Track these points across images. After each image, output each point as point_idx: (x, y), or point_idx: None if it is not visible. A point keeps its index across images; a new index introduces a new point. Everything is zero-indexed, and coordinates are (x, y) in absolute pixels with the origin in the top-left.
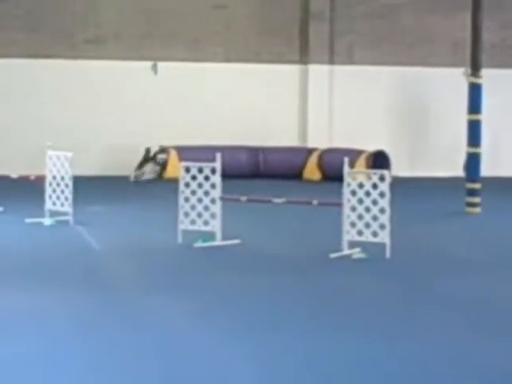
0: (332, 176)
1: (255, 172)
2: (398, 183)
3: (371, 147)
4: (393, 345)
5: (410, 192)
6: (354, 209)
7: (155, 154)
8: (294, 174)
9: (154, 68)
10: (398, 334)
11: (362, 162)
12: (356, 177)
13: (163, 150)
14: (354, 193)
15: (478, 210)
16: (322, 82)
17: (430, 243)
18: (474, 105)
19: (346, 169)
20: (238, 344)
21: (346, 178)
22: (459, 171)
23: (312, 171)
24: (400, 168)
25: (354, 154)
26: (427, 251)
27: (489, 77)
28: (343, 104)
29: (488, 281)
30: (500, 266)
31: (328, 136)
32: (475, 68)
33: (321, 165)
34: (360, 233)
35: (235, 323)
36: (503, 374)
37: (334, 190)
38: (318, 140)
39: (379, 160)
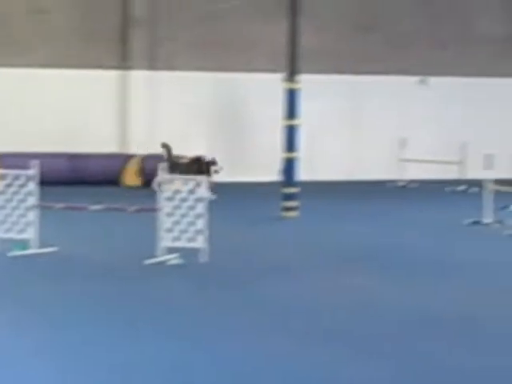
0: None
1: (76, 179)
2: (218, 188)
3: (192, 153)
4: (202, 348)
5: (229, 197)
6: (170, 215)
7: (207, 165)
8: (115, 181)
9: None
10: (208, 337)
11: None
12: (174, 183)
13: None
14: (171, 199)
15: (295, 213)
16: (143, 88)
17: (247, 248)
18: (291, 110)
19: (162, 175)
20: (48, 355)
21: (162, 185)
22: (277, 176)
23: (132, 178)
24: (221, 173)
25: None
26: (244, 255)
27: (307, 82)
28: (165, 110)
29: (302, 283)
30: (314, 269)
31: (150, 142)
32: (292, 73)
33: (142, 171)
34: (177, 238)
35: (45, 334)
36: (307, 374)
37: (153, 197)
38: (140, 146)
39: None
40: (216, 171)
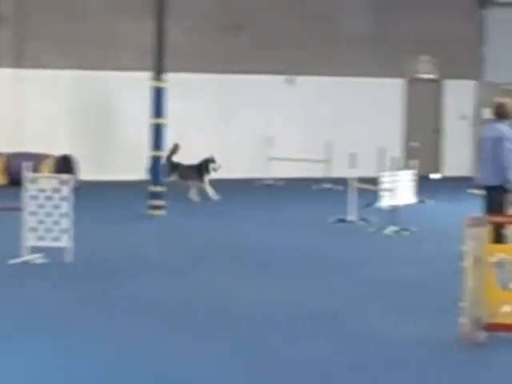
0: (19, 181)
1: None
2: (84, 187)
3: (59, 151)
4: (64, 350)
5: (96, 196)
6: (34, 214)
7: (206, 164)
8: None
9: None
10: (73, 337)
11: (47, 166)
12: (39, 181)
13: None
14: (35, 198)
15: (161, 212)
16: (8, 86)
17: (113, 247)
18: (158, 108)
19: (26, 174)
20: None
21: (26, 183)
22: (144, 174)
23: None
24: (87, 172)
25: (40, 159)
26: (110, 254)
27: (175, 81)
28: (32, 108)
29: (171, 281)
30: (182, 267)
31: (17, 140)
32: (159, 72)
33: (8, 169)
34: (42, 238)
35: None
36: (163, 371)
37: (19, 195)
38: (6, 144)
39: (65, 164)
40: (214, 169)
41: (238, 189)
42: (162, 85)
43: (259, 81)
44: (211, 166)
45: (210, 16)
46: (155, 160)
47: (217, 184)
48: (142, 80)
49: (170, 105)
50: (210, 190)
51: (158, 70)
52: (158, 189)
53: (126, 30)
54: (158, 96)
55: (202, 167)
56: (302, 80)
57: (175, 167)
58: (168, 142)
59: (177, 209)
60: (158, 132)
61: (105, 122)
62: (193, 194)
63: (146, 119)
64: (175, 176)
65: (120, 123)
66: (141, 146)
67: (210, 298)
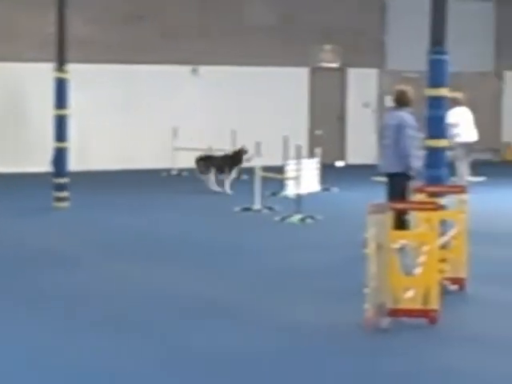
0: None
1: None
2: None
3: None
4: None
5: (0, 188)
6: None
7: (239, 154)
8: None
9: None
10: None
11: None
12: None
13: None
14: None
15: (66, 204)
16: None
17: (18, 239)
18: (61, 100)
19: None
20: None
21: None
22: (48, 166)
23: None
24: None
25: None
26: (15, 247)
27: (79, 72)
28: None
29: (78, 273)
30: (88, 258)
31: None
32: (61, 63)
33: None
34: None
35: None
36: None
37: None
38: None
39: None
40: (247, 160)
41: (143, 180)
42: (64, 76)
43: (163, 71)
44: (244, 156)
45: (112, 6)
46: (59, 151)
47: (123, 175)
48: (46, 71)
49: (74, 96)
50: (228, 184)
51: (61, 61)
52: (62, 180)
53: (28, 20)
54: (61, 87)
55: (236, 158)
56: (206, 70)
57: (210, 160)
58: (73, 134)
59: (82, 200)
60: (61, 123)
61: (9, 113)
62: (213, 185)
63: (50, 111)
64: (213, 169)
65: (24, 115)
66: (46, 137)
67: (114, 290)
